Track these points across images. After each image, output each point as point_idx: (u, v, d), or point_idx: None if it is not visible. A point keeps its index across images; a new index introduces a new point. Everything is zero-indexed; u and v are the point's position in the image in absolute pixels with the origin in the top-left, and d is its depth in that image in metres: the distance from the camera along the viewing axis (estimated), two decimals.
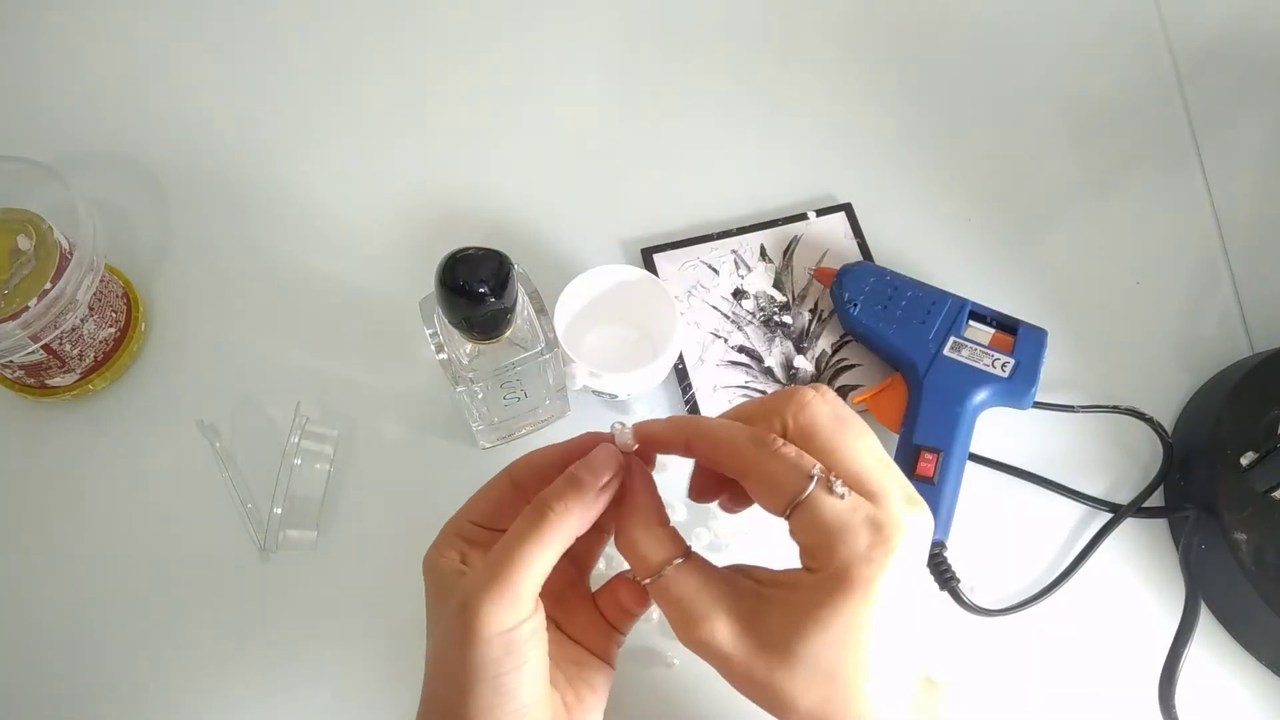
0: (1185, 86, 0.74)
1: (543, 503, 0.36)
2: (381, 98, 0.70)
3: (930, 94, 0.73)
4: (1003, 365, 0.56)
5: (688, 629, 0.35)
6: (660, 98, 0.72)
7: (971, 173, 0.70)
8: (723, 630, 0.35)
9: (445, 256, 0.43)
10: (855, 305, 0.59)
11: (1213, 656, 0.55)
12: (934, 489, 0.53)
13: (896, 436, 0.57)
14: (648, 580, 0.37)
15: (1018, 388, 0.56)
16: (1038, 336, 0.58)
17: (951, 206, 0.68)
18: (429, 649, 0.37)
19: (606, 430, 0.39)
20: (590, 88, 0.72)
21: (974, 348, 0.57)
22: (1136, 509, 0.57)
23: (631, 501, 0.38)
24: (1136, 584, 0.57)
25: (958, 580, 0.54)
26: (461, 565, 0.38)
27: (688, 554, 0.37)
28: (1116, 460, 0.60)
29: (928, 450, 0.54)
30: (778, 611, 0.34)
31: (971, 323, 0.59)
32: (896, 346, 0.58)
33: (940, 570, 0.54)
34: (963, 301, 0.59)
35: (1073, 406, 0.59)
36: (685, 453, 0.38)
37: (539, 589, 0.35)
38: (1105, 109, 0.73)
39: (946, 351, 0.57)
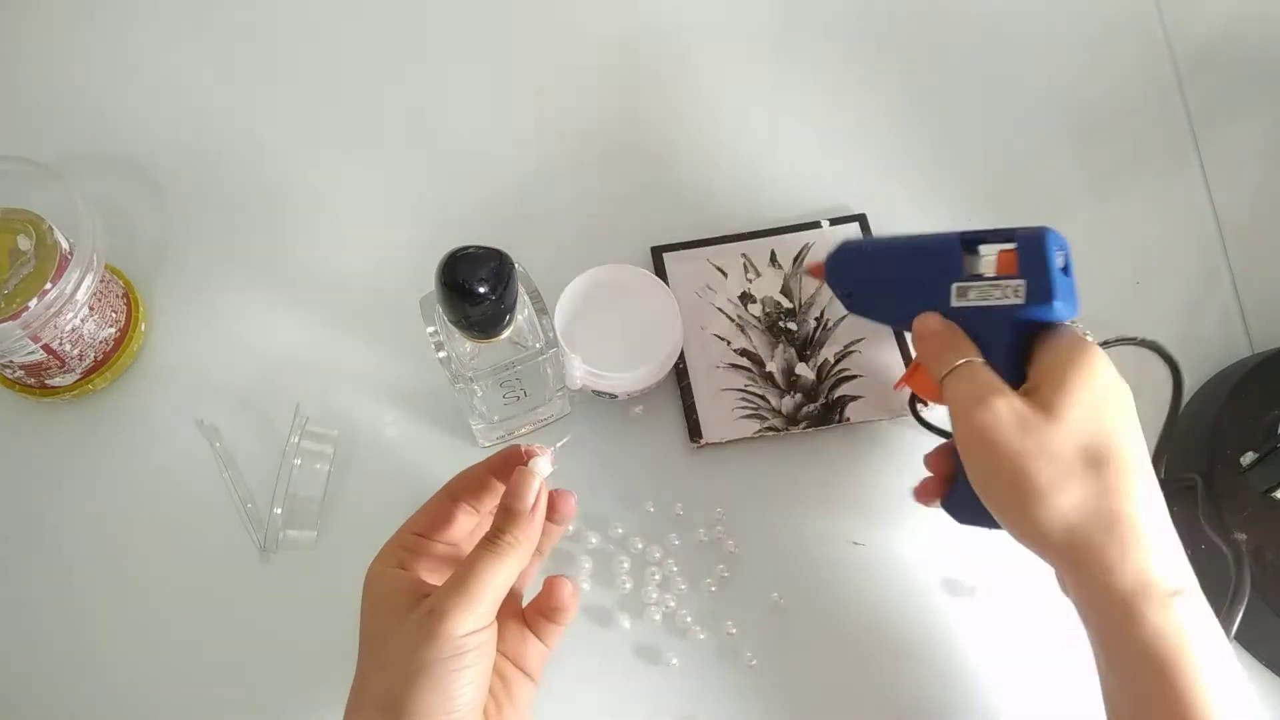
0: (1185, 86, 0.74)
1: (497, 530, 0.41)
2: (383, 97, 0.70)
3: (933, 97, 0.73)
4: (1015, 290, 0.48)
5: (980, 399, 0.44)
6: (677, 100, 0.71)
7: (973, 174, 0.70)
8: (1004, 408, 0.43)
9: (446, 255, 0.43)
10: (849, 295, 0.56)
11: None
12: None
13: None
14: (948, 370, 0.46)
15: (1039, 304, 0.47)
16: (1036, 241, 0.48)
17: (954, 208, 0.68)
18: (368, 650, 0.41)
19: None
20: (604, 88, 0.72)
21: (980, 286, 0.49)
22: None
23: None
24: None
25: None
26: (402, 570, 0.43)
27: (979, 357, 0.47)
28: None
29: None
30: (1040, 390, 0.44)
31: (967, 256, 0.51)
32: (905, 320, 0.52)
33: None
34: (949, 240, 0.51)
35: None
36: None
37: (498, 605, 0.40)
38: (1105, 109, 0.73)
39: (954, 303, 0.50)
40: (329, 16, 0.73)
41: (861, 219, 0.66)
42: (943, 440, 0.57)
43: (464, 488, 0.45)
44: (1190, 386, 0.62)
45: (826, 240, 0.65)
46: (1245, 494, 0.54)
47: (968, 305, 0.50)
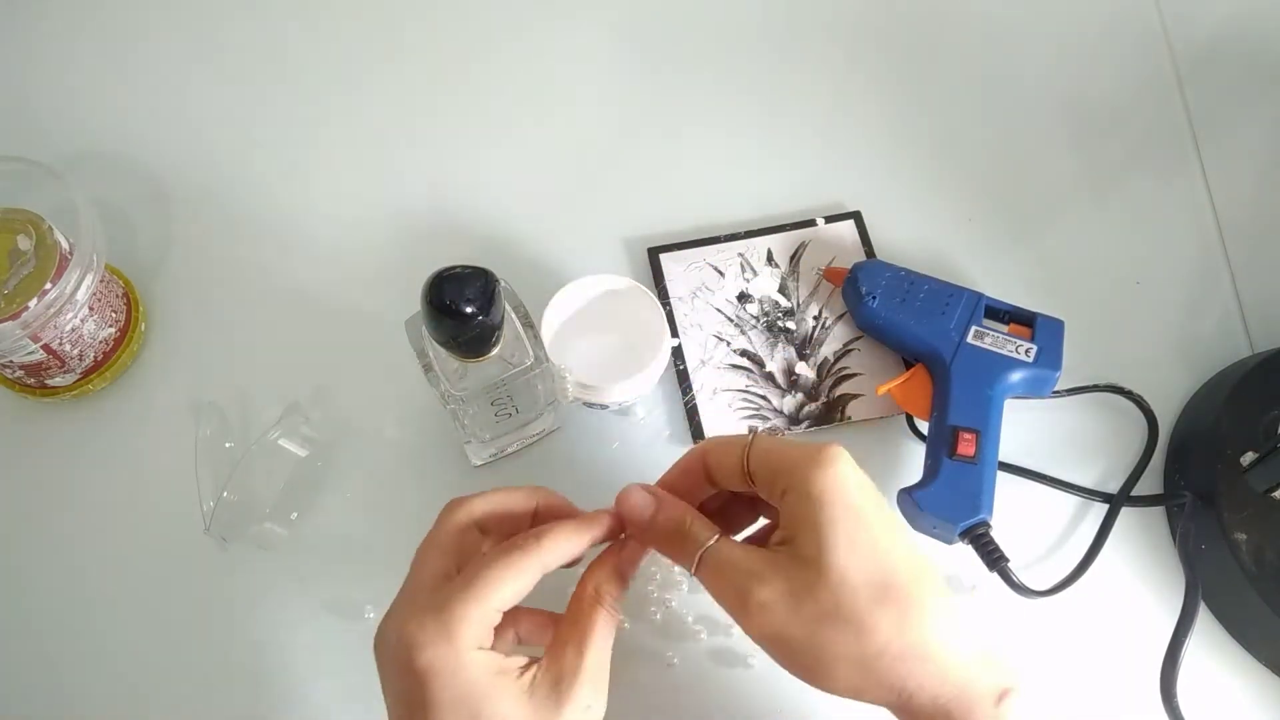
0: (1185, 86, 0.74)
1: (602, 597, 0.42)
2: (383, 99, 0.70)
3: (931, 96, 0.73)
4: (1026, 350, 0.57)
5: (743, 600, 0.39)
6: (670, 101, 0.71)
7: (972, 173, 0.70)
8: (768, 596, 0.38)
9: (430, 276, 0.43)
10: (874, 298, 0.60)
11: (1212, 656, 0.55)
12: (976, 468, 0.53)
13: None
14: (692, 567, 0.41)
15: (1043, 371, 0.57)
16: (1055, 326, 0.58)
17: (952, 207, 0.68)
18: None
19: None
20: (600, 91, 0.72)
21: (996, 335, 0.58)
22: (1129, 497, 0.57)
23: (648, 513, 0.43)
24: (1132, 575, 0.57)
25: (1007, 560, 0.52)
26: (484, 650, 0.40)
27: (717, 535, 0.41)
28: (1102, 447, 0.60)
29: (965, 431, 0.54)
30: (796, 541, 0.39)
31: (988, 319, 0.59)
32: (920, 337, 0.59)
33: (988, 551, 0.52)
34: (978, 295, 0.60)
35: (1056, 391, 0.59)
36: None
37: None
38: (1105, 109, 0.73)
39: (970, 340, 0.58)
40: (329, 20, 0.73)
41: (856, 216, 0.66)
42: None
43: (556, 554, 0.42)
44: (1190, 386, 0.63)
45: (822, 238, 0.65)
46: (1245, 494, 0.54)
47: (979, 346, 0.57)
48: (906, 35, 0.75)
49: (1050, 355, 0.57)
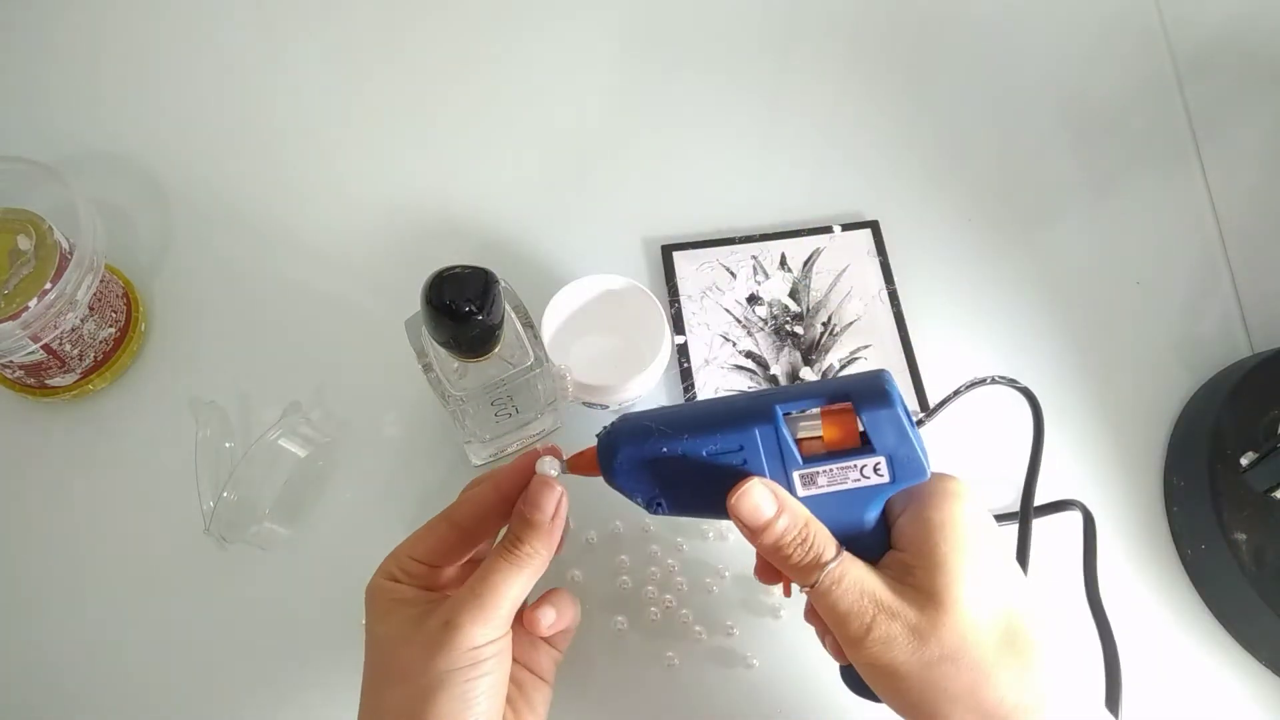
0: (1185, 86, 0.74)
1: (515, 540, 0.40)
2: (384, 99, 0.70)
3: (932, 96, 0.73)
4: (875, 469, 0.40)
5: (864, 630, 0.37)
6: (685, 102, 0.71)
7: (972, 173, 0.70)
8: (892, 629, 0.37)
9: (430, 276, 0.43)
10: (660, 504, 0.42)
11: (1213, 656, 0.55)
12: None
13: None
14: (809, 586, 0.38)
15: (909, 480, 0.40)
16: (887, 411, 0.39)
17: (953, 207, 0.68)
18: (377, 664, 0.40)
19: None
20: (606, 90, 0.72)
21: (829, 470, 0.40)
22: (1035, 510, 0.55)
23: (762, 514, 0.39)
24: (1134, 575, 0.57)
25: None
26: (401, 583, 0.41)
27: (839, 550, 0.39)
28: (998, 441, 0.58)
29: None
30: (917, 572, 0.38)
31: (800, 426, 0.41)
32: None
33: None
34: (770, 418, 0.40)
35: (929, 409, 0.56)
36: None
37: (514, 614, 0.39)
38: (1105, 109, 0.73)
39: (801, 492, 0.40)
40: (330, 20, 0.73)
41: (874, 225, 0.66)
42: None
43: (470, 517, 0.42)
44: (1190, 386, 0.63)
45: (837, 245, 0.65)
46: (1245, 494, 0.54)
47: (818, 494, 0.40)
48: (913, 42, 0.75)
49: (907, 458, 0.39)
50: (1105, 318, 0.65)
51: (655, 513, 0.42)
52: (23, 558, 0.54)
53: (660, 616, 0.54)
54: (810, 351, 0.62)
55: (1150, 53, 0.76)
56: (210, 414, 0.57)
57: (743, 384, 0.60)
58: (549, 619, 0.43)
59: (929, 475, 0.40)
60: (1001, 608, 0.37)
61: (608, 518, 0.56)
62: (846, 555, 0.39)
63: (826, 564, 0.38)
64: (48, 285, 0.51)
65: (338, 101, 0.70)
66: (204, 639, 0.53)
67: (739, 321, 0.62)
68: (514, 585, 0.39)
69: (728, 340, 0.62)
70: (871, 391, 0.40)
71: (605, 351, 0.58)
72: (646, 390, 0.58)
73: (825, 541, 0.39)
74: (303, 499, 0.56)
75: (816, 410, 0.41)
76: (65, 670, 0.52)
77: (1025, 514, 0.54)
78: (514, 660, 0.42)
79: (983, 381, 0.57)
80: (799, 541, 0.39)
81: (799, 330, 0.62)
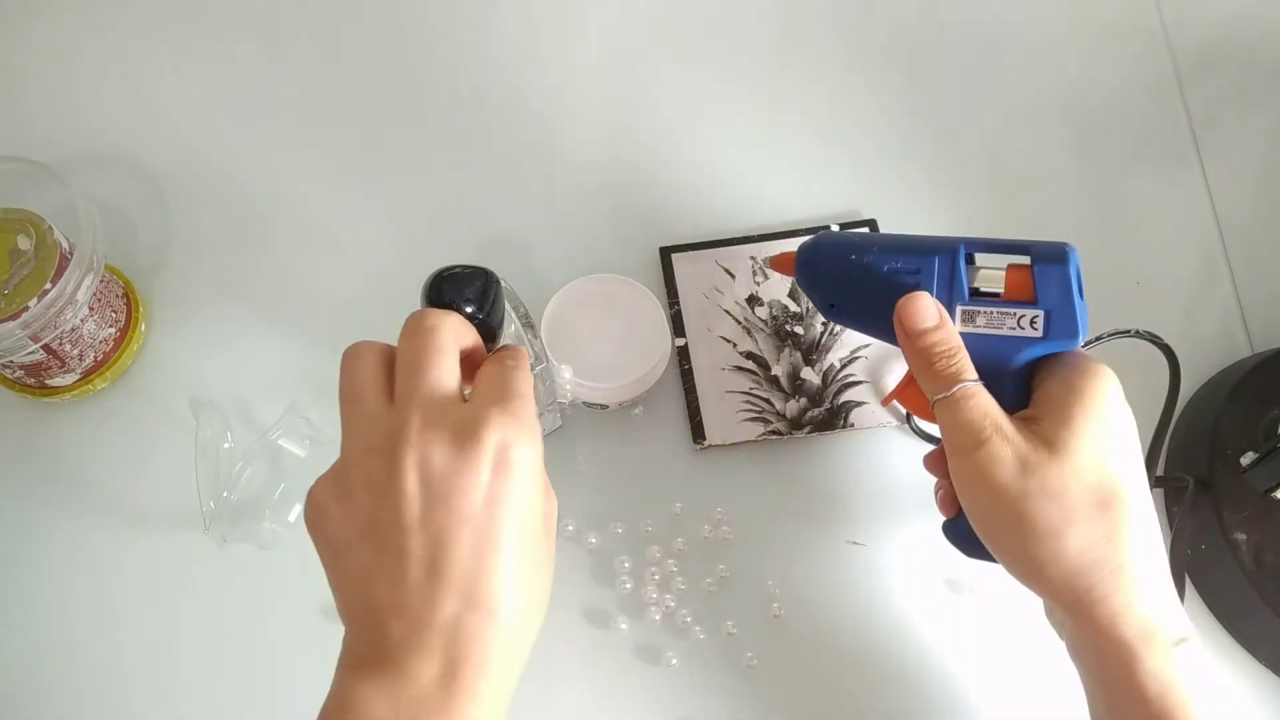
0: (1185, 86, 0.74)
1: (515, 354, 0.41)
2: (384, 98, 0.70)
3: (933, 96, 0.73)
4: (1031, 321, 0.44)
5: (978, 444, 0.41)
6: (686, 103, 0.71)
7: (972, 173, 0.70)
8: (1004, 450, 0.40)
9: (430, 275, 0.43)
10: (834, 307, 0.49)
11: (1213, 656, 0.55)
12: None
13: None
14: (941, 396, 0.42)
15: (1059, 340, 0.44)
16: (1059, 268, 0.44)
17: (953, 207, 0.68)
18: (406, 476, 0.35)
19: None
20: (608, 89, 0.71)
21: (989, 312, 0.45)
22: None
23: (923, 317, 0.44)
24: None
25: None
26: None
27: (976, 379, 0.43)
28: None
29: None
30: (1043, 423, 0.41)
31: (975, 270, 0.46)
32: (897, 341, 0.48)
33: None
34: (953, 252, 0.46)
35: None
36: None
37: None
38: (1105, 109, 0.73)
39: (960, 328, 0.45)
40: (330, 20, 0.73)
41: (871, 224, 0.66)
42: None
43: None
44: (1190, 386, 0.63)
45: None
46: (1245, 494, 0.54)
47: (973, 332, 0.44)
48: (905, 36, 0.75)
49: (1063, 319, 0.44)
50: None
51: (830, 317, 0.50)
52: (22, 557, 0.54)
53: (660, 617, 0.54)
54: (811, 351, 0.62)
55: (1150, 53, 0.76)
56: (210, 414, 0.57)
57: (744, 385, 0.60)
58: None
59: (1080, 340, 0.44)
60: (1111, 473, 0.40)
61: (608, 520, 0.56)
62: (982, 385, 0.43)
63: (963, 381, 0.42)
64: (48, 285, 0.51)
65: (338, 101, 0.70)
66: (204, 639, 0.53)
67: (739, 323, 0.62)
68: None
69: (728, 341, 0.62)
70: (1051, 251, 0.45)
71: (605, 351, 0.58)
72: (645, 389, 0.58)
73: (968, 366, 0.43)
74: (303, 499, 0.56)
75: (1000, 261, 0.46)
76: (63, 669, 0.52)
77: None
78: None
79: (1126, 333, 0.58)
80: (947, 353, 0.43)
81: (799, 330, 0.62)
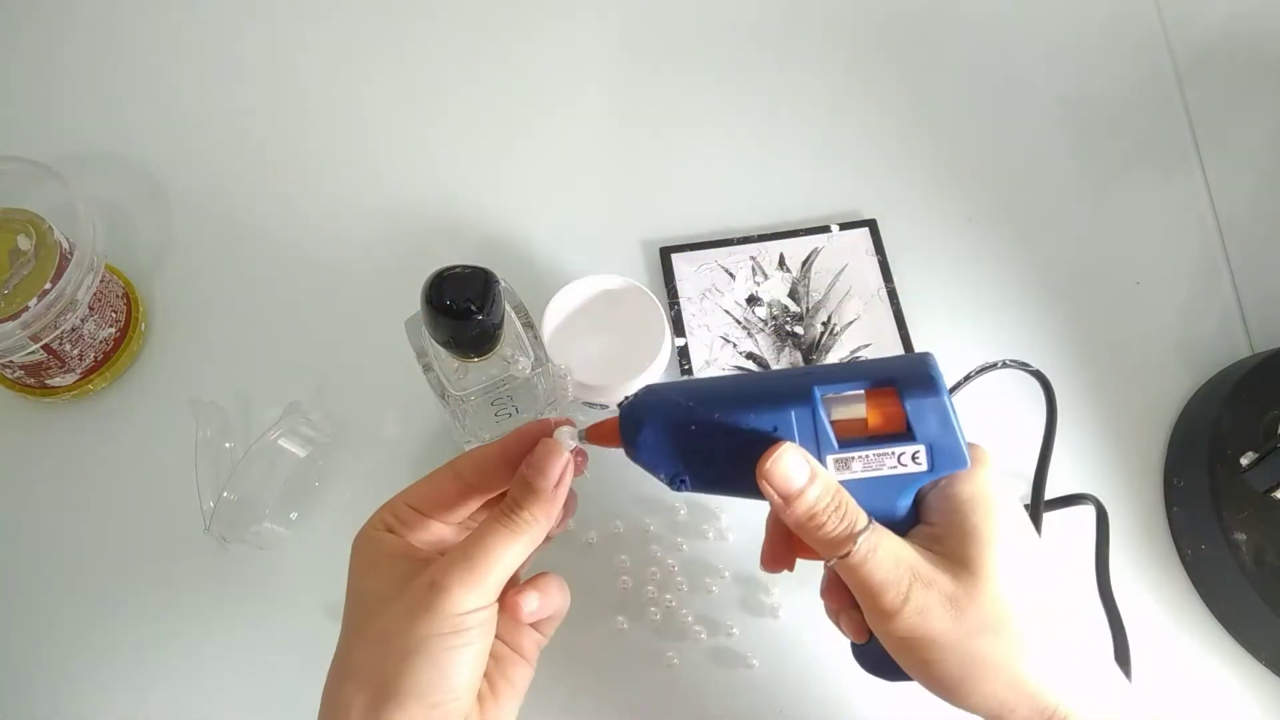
0: (1185, 86, 0.74)
1: (514, 504, 0.37)
2: (385, 98, 0.70)
3: (933, 96, 0.73)
4: (914, 457, 0.38)
5: (899, 600, 0.36)
6: (684, 103, 0.71)
7: (972, 173, 0.70)
8: (929, 598, 0.36)
9: (430, 276, 0.43)
10: (684, 480, 0.40)
11: (1213, 656, 0.55)
12: None
13: None
14: (836, 559, 0.37)
15: (946, 469, 0.38)
16: (933, 399, 0.38)
17: (953, 207, 0.68)
18: (356, 620, 0.38)
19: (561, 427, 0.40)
20: (608, 90, 0.72)
21: (865, 456, 0.38)
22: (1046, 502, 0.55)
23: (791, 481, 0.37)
24: (1131, 572, 0.57)
25: None
26: (393, 534, 0.39)
27: (870, 519, 0.37)
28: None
29: None
30: (948, 541, 0.37)
31: (835, 407, 0.39)
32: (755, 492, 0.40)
33: None
34: (808, 398, 0.38)
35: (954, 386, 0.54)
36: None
37: (503, 583, 0.37)
38: (1105, 109, 0.73)
39: (835, 478, 0.38)
40: (330, 19, 0.73)
41: (871, 224, 0.66)
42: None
43: (475, 470, 0.40)
44: (1190, 386, 0.63)
45: (835, 245, 0.65)
46: (1245, 494, 0.54)
47: (851, 479, 0.38)
48: (912, 41, 0.75)
49: (947, 448, 0.38)
50: (1105, 317, 0.65)
51: (678, 489, 0.40)
52: (22, 557, 0.54)
53: (660, 617, 0.54)
54: (810, 351, 0.62)
55: (1150, 53, 0.76)
56: (210, 414, 0.57)
57: None
58: (531, 605, 0.39)
59: (968, 465, 0.38)
60: (1034, 579, 0.37)
61: (608, 518, 0.56)
62: (877, 524, 0.37)
63: (859, 534, 0.36)
64: (48, 285, 0.51)
65: (338, 102, 0.70)
66: (204, 638, 0.53)
67: (739, 323, 0.62)
68: (507, 552, 0.36)
69: (728, 342, 0.62)
70: (917, 377, 0.38)
71: (605, 351, 0.58)
72: None
73: (857, 511, 0.37)
74: (303, 499, 0.56)
75: (859, 393, 0.39)
76: (63, 668, 0.52)
77: (1036, 504, 0.55)
78: (497, 636, 0.39)
79: (993, 366, 0.56)
80: (833, 508, 0.37)
81: (799, 330, 0.62)
